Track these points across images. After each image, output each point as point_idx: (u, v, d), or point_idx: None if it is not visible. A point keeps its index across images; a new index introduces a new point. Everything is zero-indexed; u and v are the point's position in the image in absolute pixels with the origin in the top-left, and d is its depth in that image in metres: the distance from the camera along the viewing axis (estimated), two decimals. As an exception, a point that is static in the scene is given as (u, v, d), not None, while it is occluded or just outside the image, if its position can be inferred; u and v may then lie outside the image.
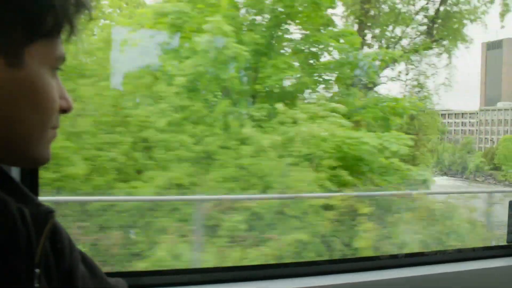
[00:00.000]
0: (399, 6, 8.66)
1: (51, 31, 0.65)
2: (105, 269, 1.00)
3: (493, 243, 5.34)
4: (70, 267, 0.81)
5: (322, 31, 6.30)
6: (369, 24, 8.46)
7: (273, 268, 1.91)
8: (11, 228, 0.65)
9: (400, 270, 1.88)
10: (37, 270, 0.69)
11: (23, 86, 0.64)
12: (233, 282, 1.67)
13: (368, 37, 8.59)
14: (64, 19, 0.65)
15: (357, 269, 1.86)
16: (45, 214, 0.72)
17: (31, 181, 1.27)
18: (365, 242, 4.24)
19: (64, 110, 0.72)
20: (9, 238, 0.64)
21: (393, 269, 1.89)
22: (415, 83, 8.84)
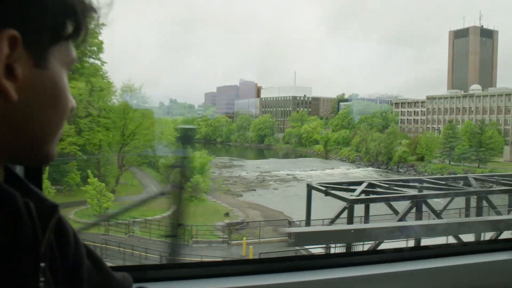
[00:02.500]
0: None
1: (71, 35, 0.71)
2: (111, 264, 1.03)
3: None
4: (75, 261, 0.84)
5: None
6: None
7: (276, 263, 1.92)
8: (18, 222, 0.65)
9: (405, 264, 1.90)
10: (42, 264, 0.70)
11: (47, 86, 0.69)
12: (236, 276, 1.69)
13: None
14: (82, 24, 0.71)
15: (363, 262, 1.88)
16: (50, 208, 0.75)
17: (35, 176, 1.29)
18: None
19: (70, 110, 0.75)
20: (16, 231, 0.65)
21: (398, 262, 1.90)
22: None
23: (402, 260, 1.91)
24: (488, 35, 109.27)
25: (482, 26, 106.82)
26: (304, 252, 12.12)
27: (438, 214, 16.83)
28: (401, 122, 77.41)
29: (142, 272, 1.68)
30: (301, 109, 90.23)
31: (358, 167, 57.22)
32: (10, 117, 0.65)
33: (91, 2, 0.73)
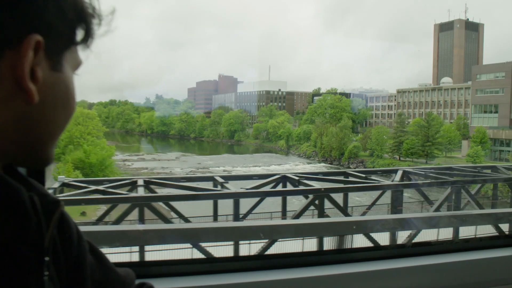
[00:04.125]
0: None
1: (81, 41, 0.74)
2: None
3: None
4: (78, 256, 0.83)
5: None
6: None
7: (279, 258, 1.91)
8: (23, 215, 0.66)
9: (407, 260, 1.91)
10: (47, 258, 0.71)
11: (61, 89, 0.72)
12: (237, 272, 1.70)
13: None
14: (90, 31, 0.74)
15: (365, 258, 1.88)
16: (53, 203, 0.75)
17: (37, 173, 1.28)
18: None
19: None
20: (21, 225, 0.65)
21: (400, 258, 1.91)
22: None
23: (402, 257, 1.92)
24: (473, 28, 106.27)
25: (468, 19, 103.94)
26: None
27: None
28: (375, 117, 75.69)
29: (145, 268, 1.77)
30: (273, 103, 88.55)
31: (310, 163, 55.20)
32: (26, 118, 0.68)
33: (98, 9, 0.75)
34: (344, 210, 15.27)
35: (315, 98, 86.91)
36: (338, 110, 72.55)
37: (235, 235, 2.86)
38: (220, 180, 15.69)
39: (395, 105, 72.40)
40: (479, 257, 1.99)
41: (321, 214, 14.05)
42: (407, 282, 1.87)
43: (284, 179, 16.19)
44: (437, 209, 16.52)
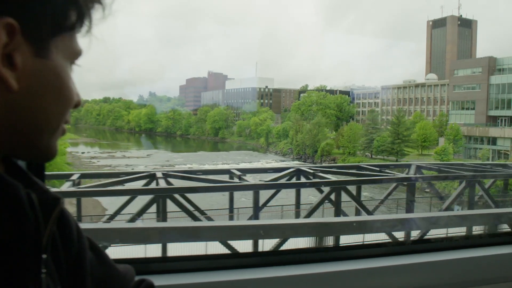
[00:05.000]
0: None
1: (74, 26, 0.69)
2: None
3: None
4: (78, 253, 0.83)
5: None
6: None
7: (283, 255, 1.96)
8: (20, 213, 0.65)
9: (407, 257, 1.89)
10: (44, 256, 0.70)
11: (50, 77, 0.68)
12: (239, 269, 1.68)
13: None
14: (85, 15, 0.70)
15: (367, 255, 1.87)
16: (52, 200, 0.73)
17: (38, 169, 1.23)
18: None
19: (76, 105, 0.75)
20: (18, 222, 0.64)
21: (400, 255, 1.90)
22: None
23: (403, 254, 1.92)
24: (466, 25, 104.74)
25: (461, 15, 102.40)
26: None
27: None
28: (362, 114, 74.36)
29: (145, 264, 1.72)
30: (259, 100, 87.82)
31: (283, 161, 54.03)
32: (11, 106, 0.65)
33: None
34: (360, 202, 15.16)
35: (301, 95, 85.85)
36: (322, 107, 71.48)
37: (235, 234, 2.81)
38: (237, 173, 15.83)
39: (376, 102, 71.17)
40: (479, 255, 1.98)
41: (338, 207, 13.99)
42: (407, 280, 1.87)
43: (298, 172, 16.43)
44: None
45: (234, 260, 1.78)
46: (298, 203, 16.22)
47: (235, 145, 74.58)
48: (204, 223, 9.22)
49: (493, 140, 46.51)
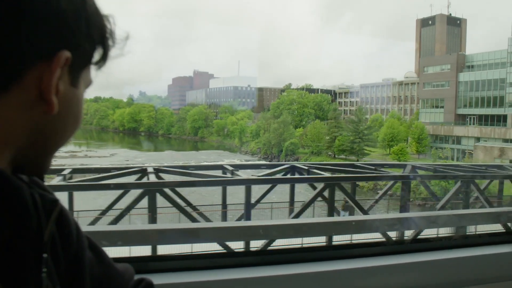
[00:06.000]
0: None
1: (99, 61, 0.77)
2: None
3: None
4: (77, 252, 0.83)
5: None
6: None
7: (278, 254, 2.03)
8: (25, 213, 0.67)
9: (406, 256, 1.91)
10: (45, 255, 0.71)
11: (75, 104, 0.75)
12: (238, 268, 1.70)
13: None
14: (108, 53, 0.77)
15: (364, 254, 1.89)
16: (52, 200, 0.77)
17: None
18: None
19: None
20: (22, 222, 0.67)
21: (399, 254, 1.92)
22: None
23: (402, 253, 1.93)
24: (455, 23, 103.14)
25: (450, 14, 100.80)
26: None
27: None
28: (344, 113, 72.89)
29: (144, 263, 1.73)
30: (238, 99, 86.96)
31: (248, 161, 52.52)
32: (43, 128, 0.71)
33: (116, 34, 0.79)
34: (354, 199, 14.99)
35: (282, 93, 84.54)
36: (300, 106, 70.11)
37: (235, 234, 2.66)
38: (230, 168, 15.50)
39: (359, 100, 69.77)
40: (476, 254, 2.00)
41: (332, 203, 13.97)
42: (402, 279, 1.87)
43: (293, 169, 16.23)
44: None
45: (235, 259, 1.78)
46: (292, 201, 15.94)
47: (214, 144, 73.48)
48: (204, 224, 8.89)
49: (458, 139, 44.81)
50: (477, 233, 5.72)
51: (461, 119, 47.97)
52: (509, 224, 4.80)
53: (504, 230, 2.72)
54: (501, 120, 44.55)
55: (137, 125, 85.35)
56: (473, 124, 46.59)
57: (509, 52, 44.44)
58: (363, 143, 44.24)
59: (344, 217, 13.72)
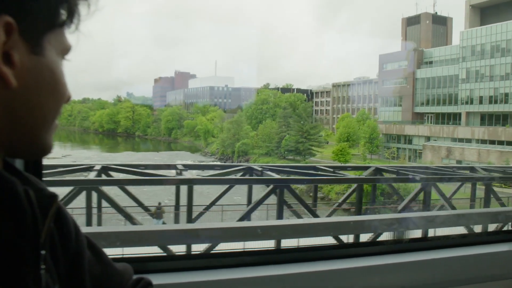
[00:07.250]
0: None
1: (64, 22, 0.71)
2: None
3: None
4: (76, 251, 0.83)
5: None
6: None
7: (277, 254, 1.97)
8: (18, 209, 0.65)
9: (404, 255, 1.90)
10: (43, 252, 0.70)
11: (45, 73, 0.69)
12: (237, 267, 1.68)
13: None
14: (74, 11, 0.71)
15: (362, 254, 1.87)
16: (49, 197, 0.74)
17: (35, 166, 1.24)
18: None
19: (67, 99, 0.76)
20: (16, 218, 0.65)
21: (397, 254, 1.91)
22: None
23: (401, 252, 1.91)
24: (441, 22, 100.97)
25: (436, 12, 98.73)
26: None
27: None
28: (316, 113, 71.15)
29: (143, 263, 1.70)
30: (219, 99, 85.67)
31: (202, 161, 50.80)
32: (9, 104, 0.66)
33: None
34: (303, 201, 14.82)
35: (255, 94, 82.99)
36: (272, 106, 68.38)
37: (235, 234, 2.59)
38: (181, 168, 15.27)
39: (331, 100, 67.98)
40: (476, 253, 1.98)
41: (281, 204, 13.89)
42: (405, 278, 1.85)
43: (250, 170, 15.95)
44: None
45: (235, 259, 1.75)
46: (249, 203, 15.50)
47: (186, 145, 72.12)
48: (204, 224, 9.14)
49: (409, 139, 42.62)
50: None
51: (419, 118, 45.78)
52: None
53: (507, 229, 2.61)
54: (456, 118, 42.36)
55: (116, 126, 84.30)
56: (431, 123, 44.37)
57: (461, 47, 42.29)
58: (308, 143, 42.13)
59: (344, 217, 13.98)
